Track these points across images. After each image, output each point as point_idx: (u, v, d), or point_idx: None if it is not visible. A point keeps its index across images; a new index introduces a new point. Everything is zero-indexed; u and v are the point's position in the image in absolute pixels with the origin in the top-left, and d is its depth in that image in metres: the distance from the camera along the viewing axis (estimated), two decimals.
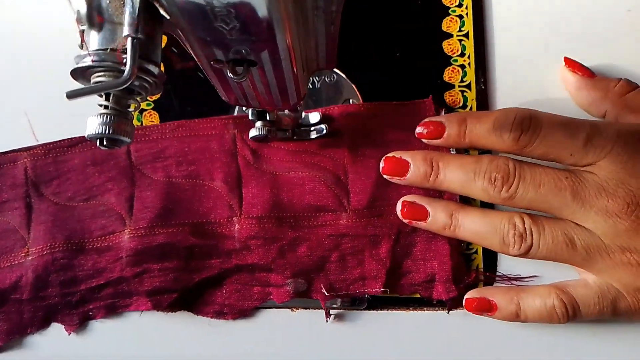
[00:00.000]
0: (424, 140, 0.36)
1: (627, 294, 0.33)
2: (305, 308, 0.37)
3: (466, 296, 0.36)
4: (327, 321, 0.37)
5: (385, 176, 0.36)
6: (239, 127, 0.39)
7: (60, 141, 0.39)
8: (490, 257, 0.37)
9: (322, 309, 0.37)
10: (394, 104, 0.38)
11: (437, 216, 0.35)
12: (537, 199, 0.33)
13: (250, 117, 0.34)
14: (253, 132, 0.34)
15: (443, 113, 0.37)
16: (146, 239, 0.37)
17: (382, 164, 0.36)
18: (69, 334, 0.39)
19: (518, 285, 0.36)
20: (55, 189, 0.39)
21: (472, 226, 0.34)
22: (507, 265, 0.37)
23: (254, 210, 0.37)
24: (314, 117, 0.37)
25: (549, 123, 0.33)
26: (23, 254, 0.38)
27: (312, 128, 0.37)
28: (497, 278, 0.37)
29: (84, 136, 0.38)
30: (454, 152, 0.36)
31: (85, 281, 0.38)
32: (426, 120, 0.36)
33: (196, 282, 0.37)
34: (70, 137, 0.39)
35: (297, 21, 0.23)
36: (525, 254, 0.33)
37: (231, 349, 0.37)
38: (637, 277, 0.32)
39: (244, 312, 0.38)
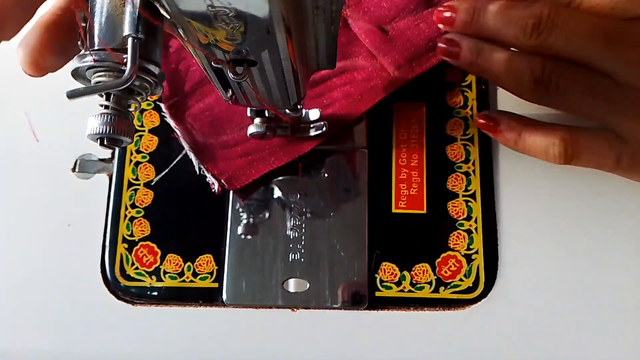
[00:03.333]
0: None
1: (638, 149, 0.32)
2: (306, 308, 0.37)
3: (479, 113, 0.36)
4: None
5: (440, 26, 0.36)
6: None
7: None
8: (491, 263, 0.37)
9: (322, 308, 0.37)
10: None
11: (465, 52, 0.35)
12: (567, 48, 0.32)
13: (248, 115, 0.34)
14: (252, 129, 0.34)
15: None
16: None
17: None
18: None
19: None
20: None
21: (495, 65, 0.34)
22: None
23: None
24: (314, 114, 0.37)
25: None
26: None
27: (312, 125, 0.37)
28: None
29: None
30: None
31: None
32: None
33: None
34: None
35: (297, 21, 0.23)
36: (540, 81, 0.32)
37: (231, 348, 0.37)
38: None
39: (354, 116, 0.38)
